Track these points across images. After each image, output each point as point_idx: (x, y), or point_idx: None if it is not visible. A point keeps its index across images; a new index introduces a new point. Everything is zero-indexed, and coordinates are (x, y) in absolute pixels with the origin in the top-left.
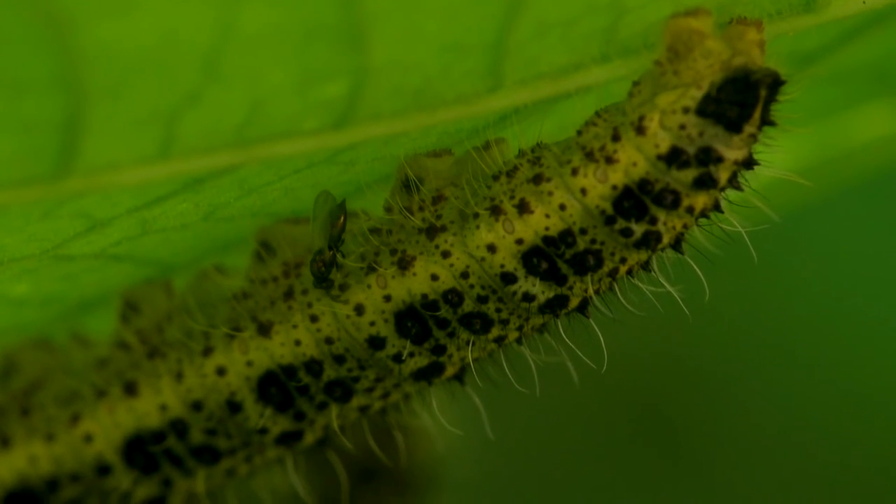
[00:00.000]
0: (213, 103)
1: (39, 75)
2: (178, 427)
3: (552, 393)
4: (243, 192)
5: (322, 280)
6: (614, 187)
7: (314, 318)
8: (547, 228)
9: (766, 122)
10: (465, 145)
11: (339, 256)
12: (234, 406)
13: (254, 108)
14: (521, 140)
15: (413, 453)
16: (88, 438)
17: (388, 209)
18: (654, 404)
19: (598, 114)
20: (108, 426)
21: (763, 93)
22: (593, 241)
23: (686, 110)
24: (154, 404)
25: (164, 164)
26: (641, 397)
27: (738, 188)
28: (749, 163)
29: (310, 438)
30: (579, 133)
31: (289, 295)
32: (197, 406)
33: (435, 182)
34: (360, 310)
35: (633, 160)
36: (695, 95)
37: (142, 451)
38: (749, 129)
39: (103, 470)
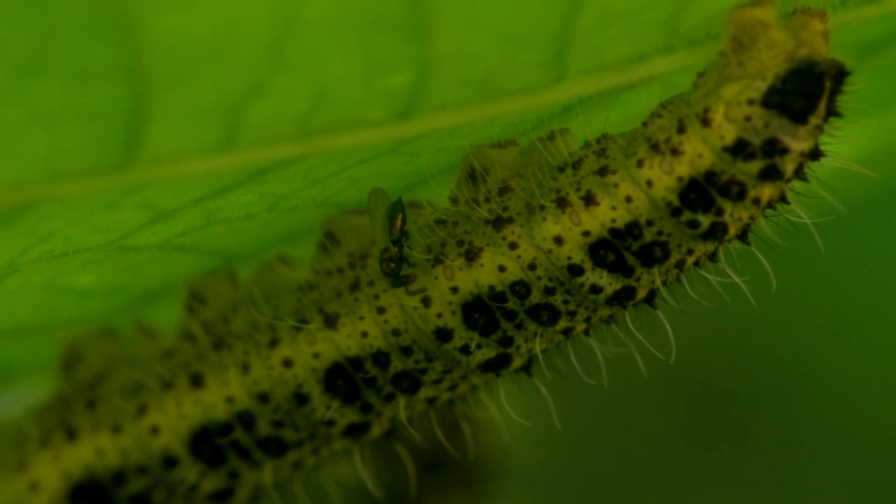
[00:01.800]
0: (277, 93)
1: (104, 65)
2: (245, 419)
3: (619, 384)
4: (308, 183)
5: (395, 277)
6: (680, 179)
7: (381, 310)
8: (613, 220)
9: (831, 112)
10: (529, 136)
11: (406, 250)
12: (300, 398)
13: (318, 98)
14: (585, 131)
15: (479, 444)
16: (155, 430)
17: (454, 200)
18: (721, 394)
19: (662, 105)
20: (175, 418)
21: (828, 84)
22: (660, 233)
23: (751, 102)
24: (220, 396)
25: (229, 154)
26: (708, 387)
27: (804, 179)
28: (815, 153)
29: (377, 430)
30: (644, 124)
31: (355, 286)
32: (263, 398)
33: (500, 173)
34: (427, 301)
35: (699, 152)
36: (760, 87)
37: (208, 443)
38: (814, 120)
39: (170, 462)
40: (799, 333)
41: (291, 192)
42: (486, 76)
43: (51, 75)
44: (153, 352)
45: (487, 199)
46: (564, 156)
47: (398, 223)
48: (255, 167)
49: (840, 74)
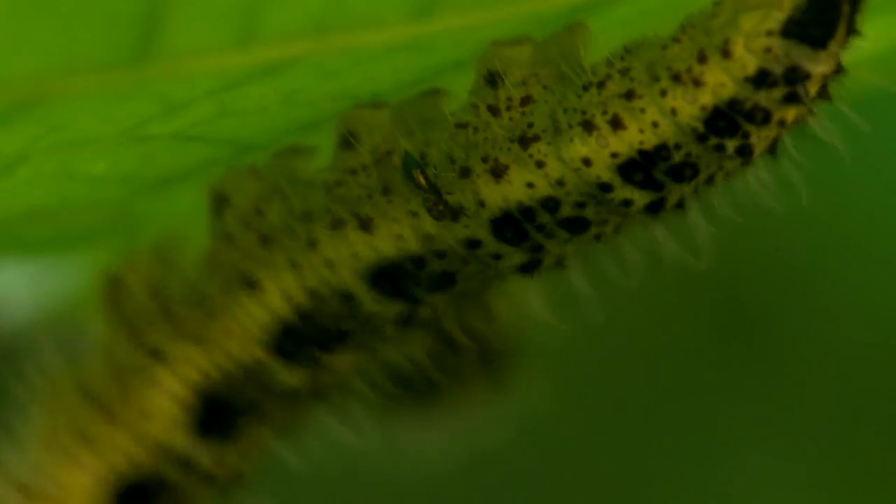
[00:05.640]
0: None
1: None
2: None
3: (648, 287)
4: (323, 77)
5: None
6: (703, 108)
7: (414, 214)
8: (641, 143)
9: (850, 33)
10: (545, 29)
11: (431, 172)
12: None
13: None
14: (605, 39)
15: (501, 328)
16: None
17: (474, 106)
18: (735, 297)
19: (682, 28)
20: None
21: (846, 8)
22: (688, 154)
23: (770, 33)
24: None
25: (244, 50)
26: (723, 290)
27: (828, 99)
28: (837, 72)
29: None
30: (664, 47)
31: (387, 189)
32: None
33: (518, 73)
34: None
35: (721, 81)
36: (778, 17)
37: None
38: (834, 45)
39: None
40: (821, 243)
41: (306, 85)
42: None
43: None
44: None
45: (509, 108)
46: (579, 51)
47: (420, 178)
48: (270, 62)
49: None
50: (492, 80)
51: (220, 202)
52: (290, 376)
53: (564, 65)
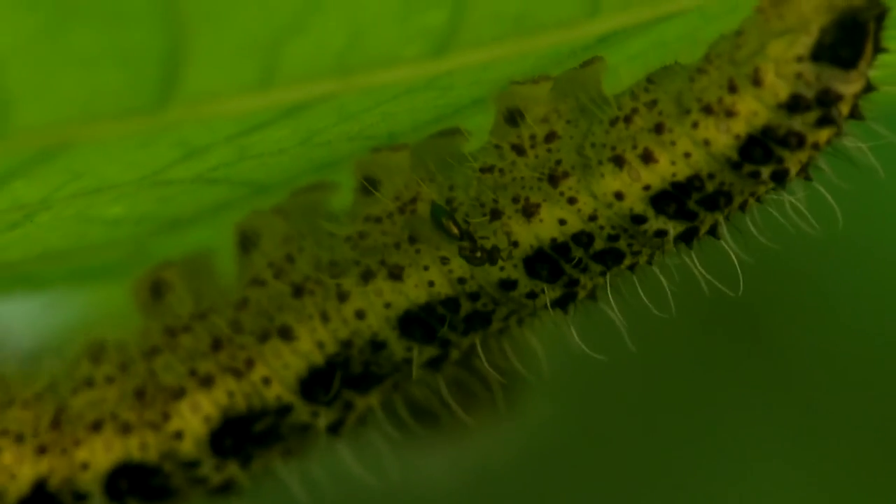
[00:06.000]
0: (313, 32)
1: (141, 7)
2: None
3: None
4: (341, 118)
5: (455, 238)
6: (737, 137)
7: (444, 260)
8: (674, 174)
9: (878, 51)
10: (563, 66)
11: (462, 222)
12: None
13: (354, 36)
14: (620, 61)
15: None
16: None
17: (498, 147)
18: (747, 307)
19: (707, 58)
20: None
21: (872, 26)
22: (722, 184)
23: (800, 59)
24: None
25: (265, 93)
26: (735, 304)
27: (860, 117)
28: (867, 89)
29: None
30: (691, 79)
31: (414, 238)
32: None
33: (537, 110)
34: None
35: (754, 110)
36: (806, 42)
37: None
38: (863, 63)
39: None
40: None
41: (324, 127)
42: (521, 11)
43: (88, 18)
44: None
45: (533, 145)
46: (598, 85)
47: (453, 228)
48: (291, 104)
49: (881, 15)
50: (512, 118)
51: (246, 242)
52: (314, 417)
53: (585, 97)
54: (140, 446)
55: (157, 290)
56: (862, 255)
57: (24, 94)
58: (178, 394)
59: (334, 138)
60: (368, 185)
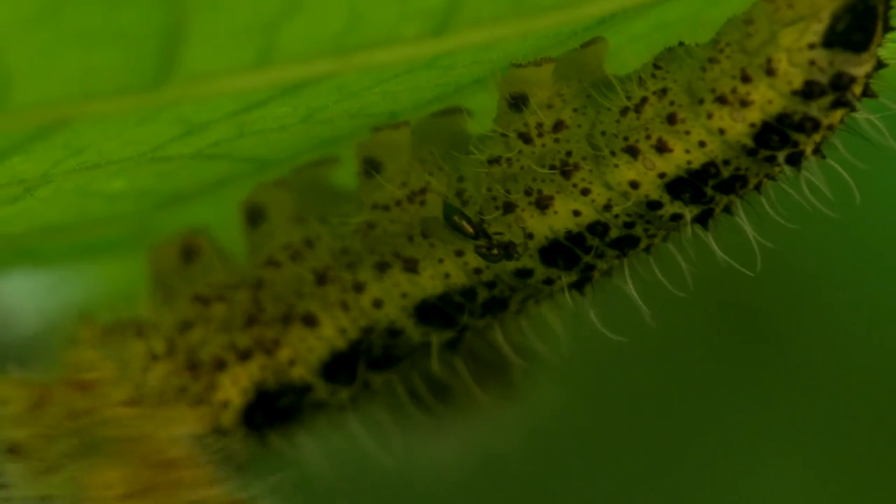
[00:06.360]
0: (312, 12)
1: None
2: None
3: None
4: (342, 97)
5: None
6: (752, 125)
7: (459, 253)
8: (689, 162)
9: (887, 30)
10: (564, 46)
11: (477, 219)
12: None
13: (353, 16)
14: (628, 51)
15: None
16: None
17: (503, 136)
18: (747, 299)
19: (717, 47)
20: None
21: (880, 9)
22: (738, 169)
23: (812, 46)
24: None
25: (263, 72)
26: (735, 293)
27: (872, 95)
28: (878, 67)
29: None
30: (703, 69)
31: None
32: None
33: (541, 93)
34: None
35: (769, 98)
36: (817, 30)
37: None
38: (874, 45)
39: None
40: (828, 241)
41: (325, 104)
42: None
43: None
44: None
45: (540, 134)
46: (600, 66)
47: (467, 226)
48: (290, 83)
49: None
50: (515, 103)
51: (254, 216)
52: (333, 396)
53: (589, 83)
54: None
55: (188, 254)
56: (841, 236)
57: (23, 72)
58: (221, 365)
59: (335, 116)
60: (371, 169)
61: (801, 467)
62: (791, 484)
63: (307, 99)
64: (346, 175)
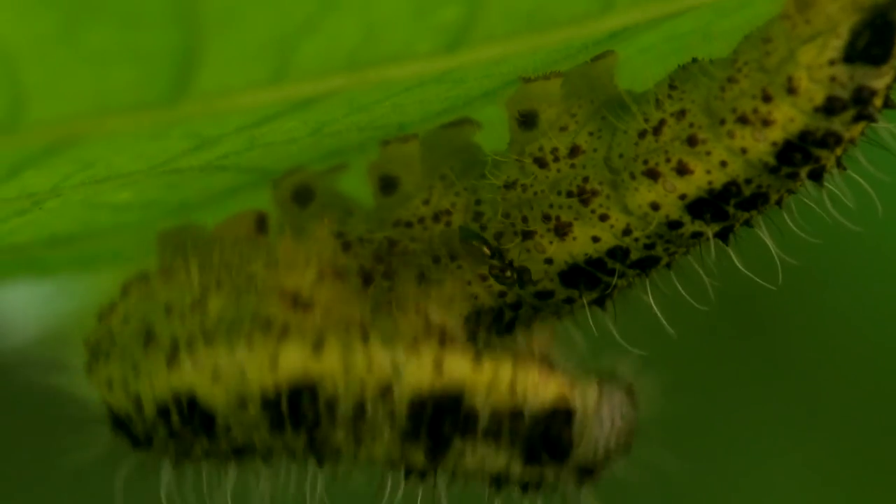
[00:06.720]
0: (328, 30)
1: (155, 7)
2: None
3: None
4: (352, 110)
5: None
6: (774, 144)
7: (484, 277)
8: (710, 183)
9: None
10: (574, 60)
11: (495, 244)
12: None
13: (369, 33)
14: (637, 63)
15: None
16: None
17: (518, 161)
18: (752, 300)
19: (735, 66)
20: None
21: None
22: (759, 186)
23: (832, 62)
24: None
25: (277, 88)
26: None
27: (893, 106)
28: None
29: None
30: (722, 89)
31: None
32: None
33: (551, 110)
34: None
35: (790, 116)
36: (837, 46)
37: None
38: (893, 57)
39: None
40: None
41: (335, 118)
42: (534, 7)
43: (104, 18)
44: None
45: (556, 159)
46: (611, 80)
47: (484, 248)
48: (302, 98)
49: None
50: (525, 121)
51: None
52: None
53: (602, 102)
54: None
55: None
56: (844, 238)
57: (39, 90)
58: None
59: (344, 129)
60: (387, 185)
61: (800, 466)
62: (791, 483)
63: (317, 113)
64: (351, 185)
